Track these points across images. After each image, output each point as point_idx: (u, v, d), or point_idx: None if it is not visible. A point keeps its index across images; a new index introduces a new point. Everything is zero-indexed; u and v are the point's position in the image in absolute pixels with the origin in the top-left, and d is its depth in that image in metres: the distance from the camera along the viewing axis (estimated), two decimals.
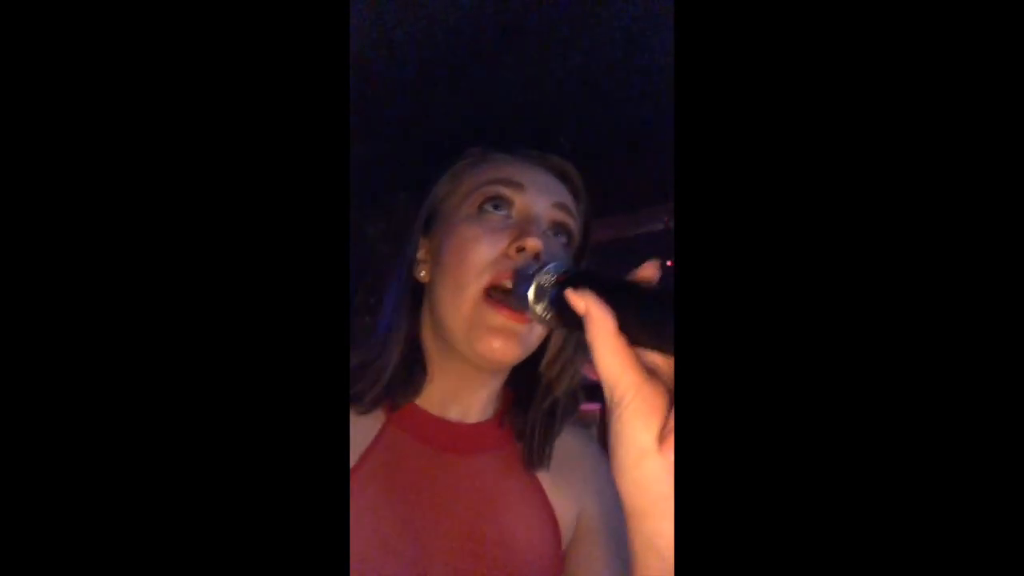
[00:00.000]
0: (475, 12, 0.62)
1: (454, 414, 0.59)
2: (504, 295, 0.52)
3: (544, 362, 0.61)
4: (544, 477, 0.61)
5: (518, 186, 0.57)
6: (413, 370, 0.58)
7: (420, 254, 0.61)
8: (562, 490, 0.61)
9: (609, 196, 0.89)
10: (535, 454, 0.60)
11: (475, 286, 0.53)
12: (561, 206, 0.58)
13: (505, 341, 0.52)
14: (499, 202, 0.56)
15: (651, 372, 0.35)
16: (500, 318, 0.52)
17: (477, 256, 0.54)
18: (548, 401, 0.61)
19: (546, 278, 0.43)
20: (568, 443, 0.63)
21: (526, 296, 0.44)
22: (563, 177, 0.61)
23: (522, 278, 0.46)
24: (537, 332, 0.55)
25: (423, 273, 0.60)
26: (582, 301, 0.36)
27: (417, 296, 0.61)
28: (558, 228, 0.58)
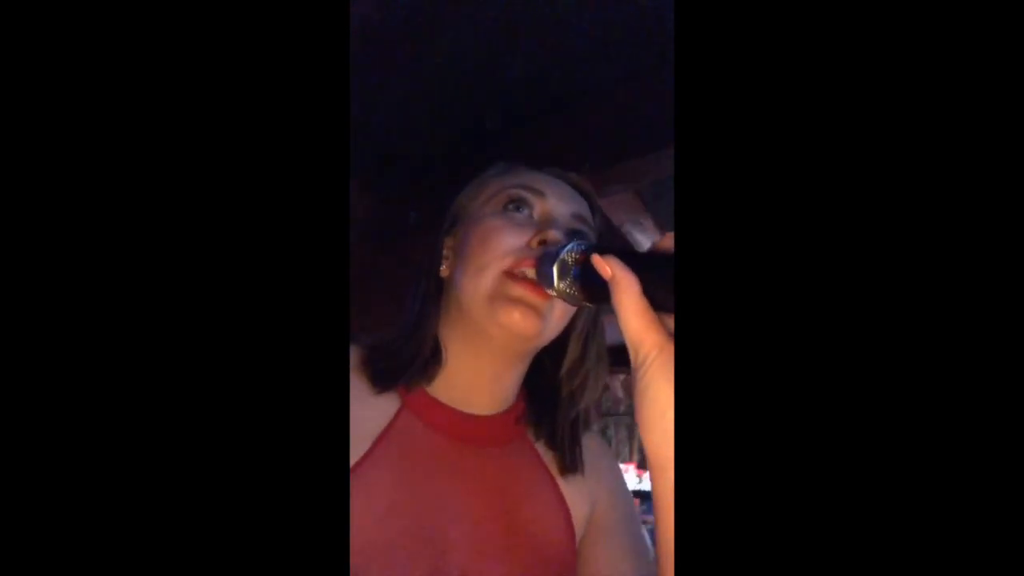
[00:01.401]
0: None
1: (468, 406, 0.60)
2: (526, 277, 0.54)
3: (564, 372, 0.63)
4: (558, 472, 0.62)
5: (540, 193, 0.60)
6: (429, 359, 0.59)
7: (444, 252, 0.63)
8: (575, 486, 0.62)
9: (610, 143, 0.86)
10: (568, 460, 0.62)
11: (497, 267, 0.55)
12: (579, 217, 0.61)
13: (525, 312, 0.53)
14: (521, 204, 0.59)
15: (672, 334, 0.37)
16: (520, 289, 0.53)
17: (501, 243, 0.56)
18: (573, 413, 0.63)
19: (571, 255, 0.45)
20: (583, 444, 0.65)
21: (551, 273, 0.46)
22: (582, 192, 0.64)
23: (547, 256, 0.48)
24: (557, 313, 0.56)
25: (443, 267, 0.63)
26: (608, 266, 0.39)
27: (439, 292, 0.63)
28: (574, 235, 0.60)
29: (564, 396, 0.63)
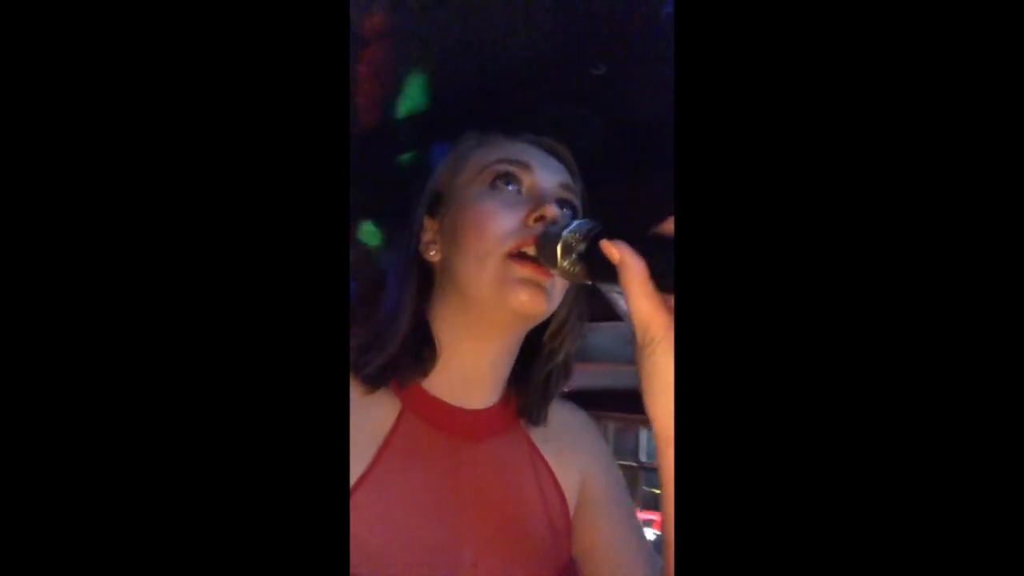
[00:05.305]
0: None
1: (467, 400, 0.60)
2: (528, 256, 0.55)
3: (548, 333, 0.64)
4: (547, 452, 0.64)
5: (526, 166, 0.60)
6: (422, 349, 0.59)
7: (427, 235, 0.62)
8: (564, 463, 0.64)
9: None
10: (533, 411, 0.63)
11: (498, 252, 0.55)
12: (565, 185, 0.61)
13: (533, 293, 0.54)
14: (510, 179, 0.59)
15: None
16: (526, 271, 0.54)
17: (497, 226, 0.56)
18: (549, 367, 0.64)
19: (573, 235, 0.47)
20: (566, 419, 0.67)
21: (555, 252, 0.48)
22: (559, 157, 0.64)
23: (550, 236, 0.50)
24: (557, 289, 0.58)
25: (432, 252, 0.61)
26: (616, 251, 0.40)
27: (426, 277, 0.62)
28: (563, 204, 0.61)
29: (544, 355, 0.64)
